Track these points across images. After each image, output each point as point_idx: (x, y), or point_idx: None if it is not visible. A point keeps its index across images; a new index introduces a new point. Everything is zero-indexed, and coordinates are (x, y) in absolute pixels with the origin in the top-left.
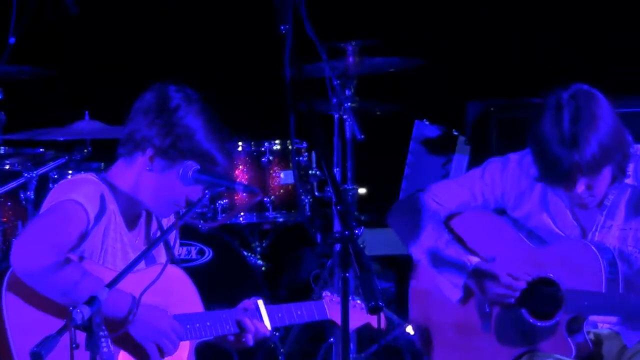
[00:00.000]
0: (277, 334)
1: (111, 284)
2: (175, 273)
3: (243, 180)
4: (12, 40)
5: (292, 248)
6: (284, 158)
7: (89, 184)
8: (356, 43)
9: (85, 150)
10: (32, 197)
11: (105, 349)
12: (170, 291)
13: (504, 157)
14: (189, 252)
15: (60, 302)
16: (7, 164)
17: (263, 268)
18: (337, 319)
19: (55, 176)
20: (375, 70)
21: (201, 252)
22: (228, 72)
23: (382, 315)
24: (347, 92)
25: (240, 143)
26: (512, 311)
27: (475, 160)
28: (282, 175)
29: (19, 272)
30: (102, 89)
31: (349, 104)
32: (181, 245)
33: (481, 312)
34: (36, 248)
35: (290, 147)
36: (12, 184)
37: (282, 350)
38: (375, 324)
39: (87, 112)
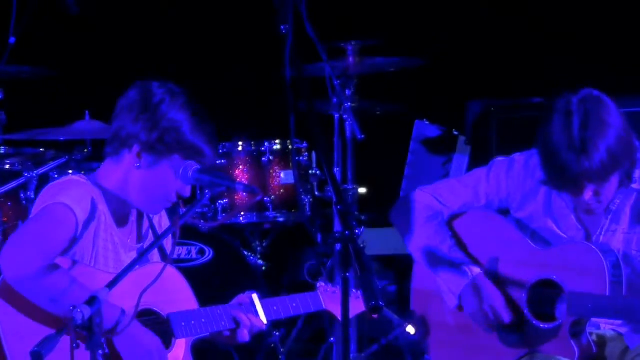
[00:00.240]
0: (277, 333)
1: (111, 285)
2: (168, 271)
3: (243, 180)
4: (12, 40)
5: (292, 248)
6: (284, 158)
7: (77, 186)
8: (356, 43)
9: (86, 150)
10: (33, 197)
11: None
12: (164, 289)
13: (509, 158)
14: (189, 252)
15: (49, 309)
16: (8, 163)
17: (263, 268)
18: (333, 309)
19: (56, 176)
20: (375, 70)
21: (201, 252)
22: (228, 72)
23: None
24: (347, 92)
25: (240, 143)
26: (514, 312)
27: (476, 160)
28: (282, 175)
29: (7, 279)
30: (102, 89)
31: (349, 103)
32: (181, 245)
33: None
34: (23, 254)
35: (290, 146)
36: (13, 184)
37: (282, 350)
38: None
39: (87, 112)
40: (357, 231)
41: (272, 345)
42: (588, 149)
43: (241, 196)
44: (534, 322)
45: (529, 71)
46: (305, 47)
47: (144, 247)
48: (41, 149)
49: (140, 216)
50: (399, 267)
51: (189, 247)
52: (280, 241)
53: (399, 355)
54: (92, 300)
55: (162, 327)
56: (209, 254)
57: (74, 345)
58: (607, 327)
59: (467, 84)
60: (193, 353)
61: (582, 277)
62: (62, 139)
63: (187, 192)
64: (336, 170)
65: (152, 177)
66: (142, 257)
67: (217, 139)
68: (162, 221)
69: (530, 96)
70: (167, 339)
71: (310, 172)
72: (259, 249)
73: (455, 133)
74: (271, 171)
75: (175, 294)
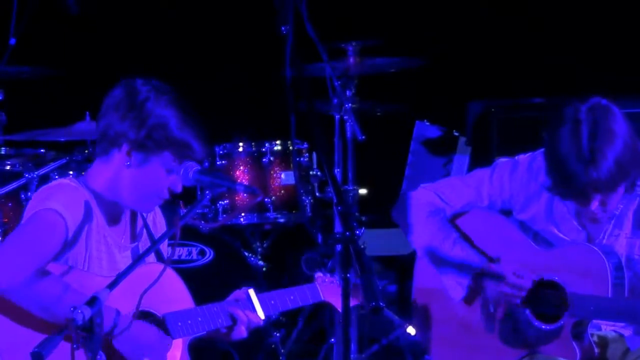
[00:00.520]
0: (277, 334)
1: (112, 286)
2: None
3: (244, 180)
4: (12, 40)
5: (293, 249)
6: (284, 159)
7: (67, 190)
8: (357, 43)
9: (86, 151)
10: None
11: None
12: (159, 290)
13: (512, 160)
14: (189, 253)
15: (42, 317)
16: (8, 164)
17: (264, 269)
18: (331, 299)
19: (56, 177)
20: (375, 71)
21: (202, 253)
22: (229, 73)
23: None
24: (347, 92)
25: (241, 144)
26: (516, 313)
27: (476, 160)
28: (282, 175)
29: None
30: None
31: (349, 104)
32: (182, 245)
33: (485, 312)
34: (12, 262)
35: (291, 147)
36: (13, 185)
37: (282, 350)
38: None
39: (88, 112)
40: (357, 232)
41: (273, 346)
42: (597, 160)
43: (242, 197)
44: (535, 322)
45: (529, 71)
46: (305, 47)
47: (139, 245)
48: (42, 150)
49: (133, 215)
50: (400, 267)
51: (190, 248)
52: (280, 242)
53: (399, 356)
54: (92, 301)
55: (158, 328)
56: (209, 254)
57: (75, 346)
58: (608, 328)
59: (467, 84)
60: (191, 353)
61: (584, 278)
62: (62, 139)
63: (178, 187)
64: (337, 171)
65: (143, 175)
66: (142, 257)
67: (204, 134)
68: (157, 219)
69: (530, 96)
70: None
71: (310, 172)
72: (259, 249)
73: (456, 134)
74: (272, 172)
75: (171, 294)
